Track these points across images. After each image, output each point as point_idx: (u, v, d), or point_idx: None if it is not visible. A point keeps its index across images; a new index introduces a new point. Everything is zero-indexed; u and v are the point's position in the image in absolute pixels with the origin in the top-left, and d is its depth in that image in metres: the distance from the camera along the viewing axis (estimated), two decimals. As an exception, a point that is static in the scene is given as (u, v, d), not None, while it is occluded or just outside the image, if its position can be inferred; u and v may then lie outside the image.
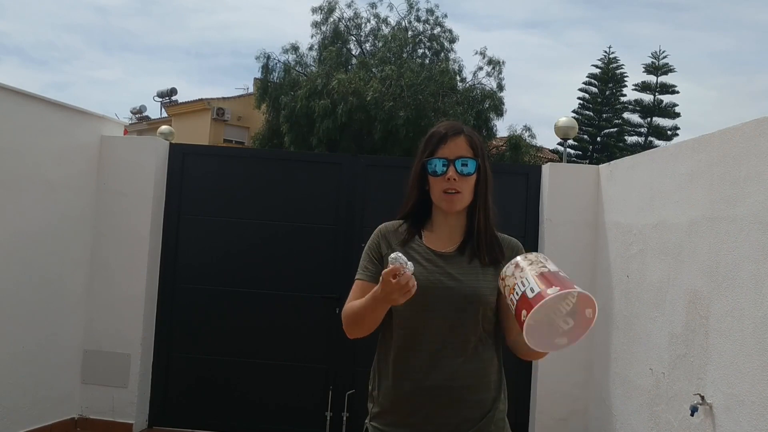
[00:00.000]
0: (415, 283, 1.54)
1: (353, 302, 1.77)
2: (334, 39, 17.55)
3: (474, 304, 1.76)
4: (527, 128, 17.05)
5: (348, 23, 17.92)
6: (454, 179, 1.77)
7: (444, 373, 1.74)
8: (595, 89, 25.13)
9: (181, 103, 24.51)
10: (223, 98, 23.11)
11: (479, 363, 1.77)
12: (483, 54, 16.90)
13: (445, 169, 1.78)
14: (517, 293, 1.52)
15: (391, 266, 1.51)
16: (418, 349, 1.76)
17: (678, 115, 24.87)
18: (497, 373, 1.83)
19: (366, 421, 1.88)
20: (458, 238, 1.84)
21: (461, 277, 1.77)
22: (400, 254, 1.53)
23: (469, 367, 1.76)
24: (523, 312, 1.48)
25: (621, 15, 49.11)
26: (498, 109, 16.53)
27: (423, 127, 14.55)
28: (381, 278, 1.55)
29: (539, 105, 46.91)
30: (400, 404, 1.78)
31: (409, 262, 1.53)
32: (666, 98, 24.80)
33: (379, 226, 1.90)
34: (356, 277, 1.86)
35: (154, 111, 33.35)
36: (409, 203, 1.87)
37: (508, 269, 1.62)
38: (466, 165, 1.79)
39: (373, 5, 17.99)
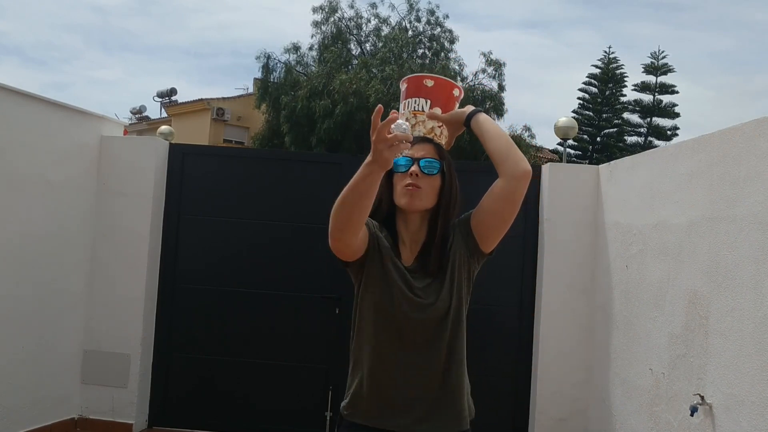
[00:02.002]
0: (403, 145, 1.50)
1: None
2: (335, 39, 17.55)
3: (432, 319, 1.79)
4: (527, 128, 17.07)
5: (348, 23, 17.93)
6: (417, 175, 1.78)
7: (413, 387, 1.79)
8: (595, 89, 25.14)
9: (181, 103, 24.50)
10: (223, 98, 23.10)
11: (447, 375, 1.80)
12: (486, 56, 16.92)
13: (408, 166, 1.79)
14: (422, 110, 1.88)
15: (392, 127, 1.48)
16: (389, 366, 1.81)
17: (678, 115, 24.89)
18: (464, 384, 1.85)
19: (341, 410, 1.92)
20: (417, 248, 1.85)
21: (422, 295, 1.79)
22: (406, 125, 1.51)
23: (437, 377, 1.79)
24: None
25: (620, 15, 49.15)
26: (499, 109, 16.54)
27: None
28: (375, 129, 1.49)
29: (539, 105, 46.94)
30: (374, 410, 1.82)
31: (407, 127, 1.51)
32: (665, 98, 24.83)
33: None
34: None
35: (154, 111, 33.39)
36: (378, 209, 1.84)
37: (412, 127, 1.86)
38: (431, 164, 1.80)
39: (373, 5, 18.02)
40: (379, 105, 1.50)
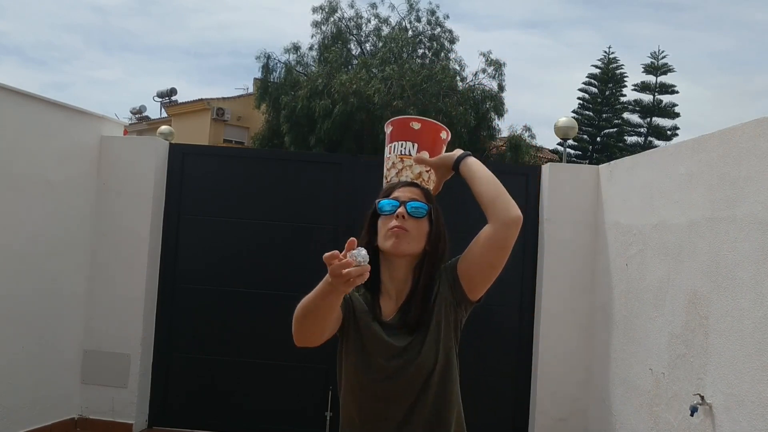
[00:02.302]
0: (363, 278, 1.38)
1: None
2: (335, 39, 17.56)
3: (412, 375, 1.70)
4: (527, 128, 17.07)
5: (348, 23, 17.93)
6: (404, 217, 1.70)
7: None
8: (595, 89, 25.13)
9: (180, 103, 24.51)
10: (223, 98, 23.11)
11: (436, 416, 1.72)
12: (486, 56, 16.92)
13: (394, 208, 1.71)
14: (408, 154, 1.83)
15: (348, 258, 1.37)
16: (376, 423, 1.73)
17: (677, 115, 24.89)
18: (457, 414, 1.77)
19: None
20: (401, 299, 1.75)
21: (402, 354, 1.70)
22: (363, 251, 1.38)
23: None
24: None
25: (620, 15, 49.14)
26: (498, 109, 16.55)
27: None
28: (330, 258, 1.39)
29: (539, 105, 46.94)
30: None
31: (365, 256, 1.38)
32: (665, 98, 24.82)
33: None
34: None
35: (154, 111, 33.35)
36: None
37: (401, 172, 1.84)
38: (418, 208, 1.72)
39: (373, 5, 18.03)
40: (352, 238, 1.40)
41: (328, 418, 4.58)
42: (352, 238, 1.40)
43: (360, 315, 1.74)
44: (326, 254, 1.37)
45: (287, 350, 4.70)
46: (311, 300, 1.53)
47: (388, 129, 1.87)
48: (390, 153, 1.83)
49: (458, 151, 1.81)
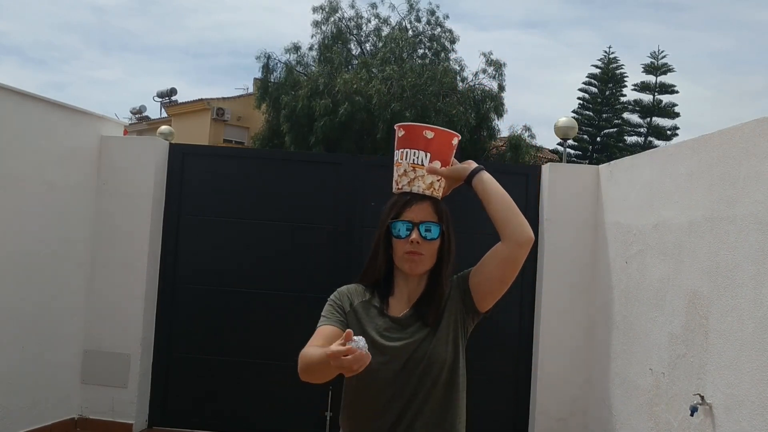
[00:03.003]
0: (364, 364, 1.46)
1: (308, 350, 1.70)
2: (335, 39, 17.56)
3: (423, 367, 1.77)
4: (527, 128, 17.06)
5: (348, 23, 17.93)
6: (418, 242, 1.78)
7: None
8: (595, 89, 25.13)
9: (180, 103, 24.50)
10: (223, 98, 23.10)
11: (438, 419, 1.78)
12: (486, 56, 16.91)
13: (408, 232, 1.79)
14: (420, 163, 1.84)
15: (348, 345, 1.44)
16: (376, 413, 1.79)
17: (677, 114, 24.87)
18: (459, 423, 1.83)
19: None
20: (414, 300, 1.84)
21: (411, 341, 1.78)
22: (363, 340, 1.47)
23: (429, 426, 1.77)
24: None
25: (619, 15, 49.13)
26: (498, 109, 16.55)
27: None
28: (332, 350, 1.45)
29: (539, 105, 46.93)
30: None
31: (364, 345, 1.46)
32: (665, 98, 24.81)
33: (341, 288, 1.91)
34: (318, 324, 1.83)
35: (154, 111, 33.32)
36: (375, 269, 1.86)
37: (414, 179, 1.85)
38: (430, 230, 1.79)
39: (373, 5, 18.01)
40: (348, 330, 1.47)
41: (328, 418, 4.58)
42: (348, 330, 1.47)
43: (363, 322, 1.82)
44: (330, 353, 1.44)
45: (287, 350, 4.72)
46: (314, 364, 1.64)
47: (399, 132, 1.88)
48: (402, 159, 1.85)
49: (471, 164, 1.85)
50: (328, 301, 1.89)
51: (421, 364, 1.76)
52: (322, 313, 1.87)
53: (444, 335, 1.80)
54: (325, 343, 1.66)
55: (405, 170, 1.84)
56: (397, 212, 1.82)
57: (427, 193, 1.83)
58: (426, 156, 1.82)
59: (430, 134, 1.83)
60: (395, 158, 1.87)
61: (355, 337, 1.45)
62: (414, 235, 1.78)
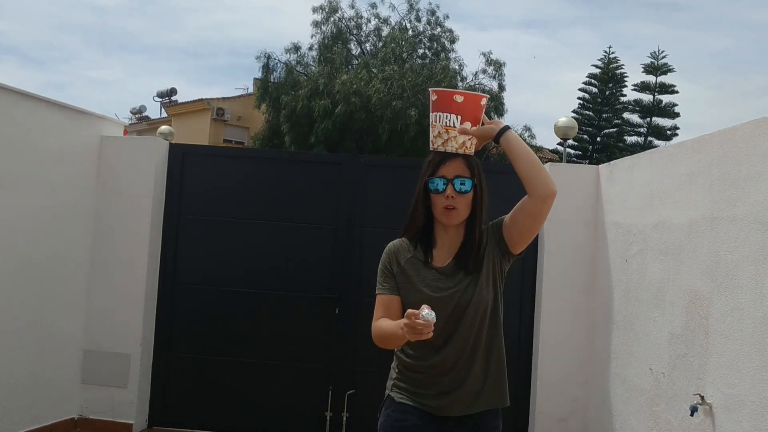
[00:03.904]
0: (431, 332, 1.76)
1: (381, 323, 2.03)
2: (335, 39, 17.56)
3: (470, 311, 2.02)
4: (527, 128, 17.08)
5: (348, 23, 17.93)
6: (452, 197, 2.00)
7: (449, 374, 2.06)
8: (595, 89, 25.14)
9: (180, 103, 24.48)
10: (223, 98, 23.10)
11: (479, 360, 2.06)
12: (486, 56, 16.92)
13: (444, 187, 2.01)
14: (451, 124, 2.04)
15: (419, 320, 1.73)
16: (425, 354, 2.06)
17: (677, 114, 24.89)
18: (497, 363, 2.09)
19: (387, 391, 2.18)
20: (455, 250, 2.08)
21: (457, 289, 2.03)
22: (430, 312, 1.75)
23: (471, 366, 2.05)
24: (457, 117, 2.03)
25: (619, 15, 49.12)
26: (499, 109, 16.56)
27: (426, 126, 14.53)
28: (406, 321, 1.77)
29: (539, 105, 46.92)
30: (413, 384, 2.10)
31: (431, 314, 1.75)
32: (665, 98, 24.82)
33: (388, 245, 2.15)
34: (376, 292, 2.11)
35: (154, 111, 33.29)
36: (415, 221, 2.09)
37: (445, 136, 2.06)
38: (464, 184, 2.02)
39: (373, 5, 18.02)
40: (414, 311, 1.76)
41: (328, 418, 4.58)
42: (413, 311, 1.77)
43: (412, 275, 2.07)
44: (408, 312, 1.76)
45: (287, 350, 4.73)
46: (388, 336, 1.99)
47: (433, 96, 2.07)
48: (436, 122, 2.04)
49: (499, 124, 2.04)
50: (380, 264, 2.13)
51: (469, 308, 2.01)
52: (378, 279, 2.12)
53: (485, 279, 2.04)
54: (387, 313, 2.04)
55: (439, 132, 2.03)
56: (433, 170, 2.03)
57: (460, 151, 2.02)
58: (457, 118, 2.00)
59: (459, 98, 2.01)
60: (431, 120, 2.07)
61: (423, 312, 1.73)
62: (449, 191, 2.00)
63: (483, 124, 2.06)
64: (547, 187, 1.97)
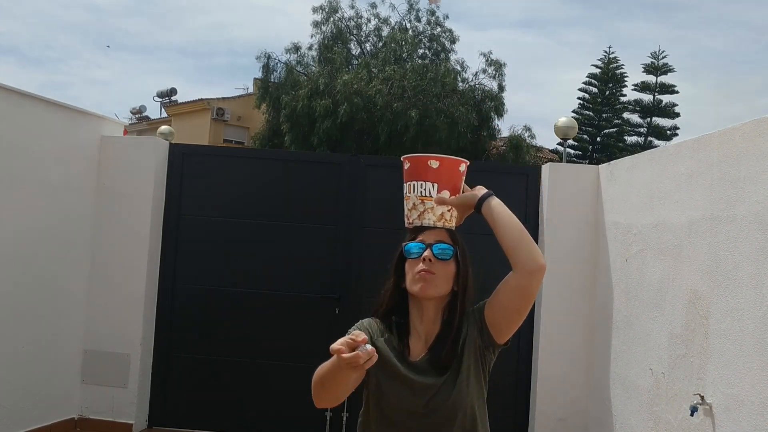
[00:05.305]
0: (362, 362, 1.42)
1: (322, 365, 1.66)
2: (335, 39, 17.56)
3: (447, 416, 1.71)
4: (527, 128, 17.07)
5: (348, 23, 17.94)
6: (430, 260, 1.71)
7: None
8: (595, 89, 25.13)
9: (180, 103, 24.49)
10: (223, 98, 23.11)
11: None
12: (486, 56, 16.92)
13: (421, 251, 1.73)
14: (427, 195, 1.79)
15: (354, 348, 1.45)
16: None
17: (677, 115, 24.86)
18: None
19: None
20: (431, 340, 1.76)
21: (432, 391, 1.71)
22: (370, 348, 1.45)
23: None
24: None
25: (618, 14, 49.10)
26: (499, 109, 16.56)
27: (427, 127, 14.59)
28: (337, 347, 1.46)
29: (539, 105, 46.90)
30: None
31: (369, 347, 1.45)
32: (665, 98, 24.81)
33: (362, 322, 1.82)
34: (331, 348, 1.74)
35: (154, 111, 33.30)
36: (386, 299, 1.79)
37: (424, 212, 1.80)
38: (444, 250, 1.74)
39: (373, 5, 18.01)
40: (360, 336, 1.45)
41: (328, 418, 4.58)
42: (360, 335, 1.45)
43: (385, 361, 1.72)
44: (332, 347, 1.44)
45: (287, 350, 4.73)
46: (326, 374, 1.60)
47: (405, 164, 1.84)
48: (410, 192, 1.81)
49: (480, 190, 1.79)
50: (348, 333, 1.77)
51: (444, 411, 1.70)
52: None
53: (465, 378, 1.73)
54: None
55: (414, 204, 1.80)
56: (411, 238, 1.79)
57: (439, 224, 1.78)
58: (433, 186, 1.77)
59: (435, 164, 1.78)
60: (404, 191, 1.83)
61: (360, 348, 1.43)
62: (426, 253, 1.72)
63: (463, 191, 1.81)
64: (534, 260, 1.68)
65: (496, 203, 1.75)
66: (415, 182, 1.80)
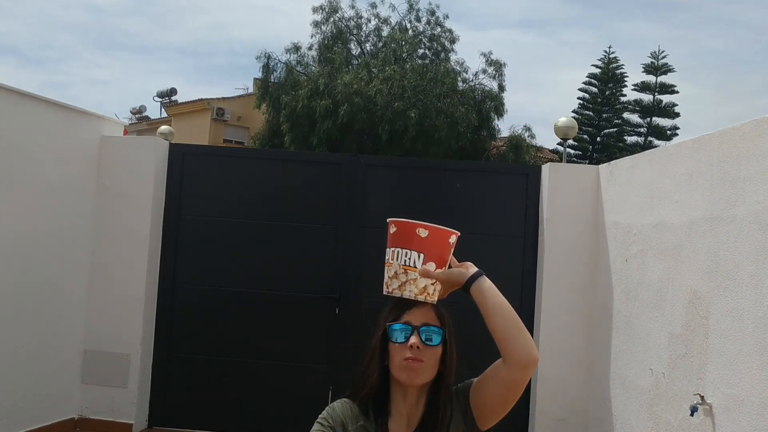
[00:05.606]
0: None
1: None
2: (335, 39, 17.57)
3: None
4: (527, 128, 17.09)
5: (348, 23, 17.94)
6: (418, 347, 1.59)
7: None
8: (595, 89, 25.13)
9: (180, 103, 24.51)
10: (223, 98, 23.12)
11: None
12: (486, 56, 16.94)
13: (408, 335, 1.61)
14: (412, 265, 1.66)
15: None
16: None
17: (677, 114, 24.87)
18: None
19: None
20: (415, 423, 1.65)
21: None
22: None
23: None
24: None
25: (618, 14, 49.09)
26: (499, 109, 16.57)
27: (427, 127, 14.60)
28: None
29: (539, 105, 46.90)
30: None
31: None
32: (665, 98, 24.82)
33: (333, 407, 1.70)
34: None
35: (154, 111, 33.30)
36: (368, 381, 1.66)
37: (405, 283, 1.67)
38: (432, 335, 1.62)
39: (373, 5, 18.02)
40: None
41: (328, 418, 4.58)
42: None
43: None
44: None
45: (287, 350, 4.73)
46: None
47: (391, 228, 1.72)
48: (392, 259, 1.68)
49: (470, 267, 1.66)
50: (317, 422, 1.69)
51: None
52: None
53: None
54: None
55: (396, 272, 1.67)
56: (395, 316, 1.65)
57: (420, 298, 1.64)
58: (419, 257, 1.65)
59: (424, 232, 1.65)
60: (386, 257, 1.70)
61: None
62: (414, 339, 1.60)
63: (450, 266, 1.67)
64: (529, 354, 1.56)
65: (488, 285, 1.62)
66: (399, 249, 1.67)
